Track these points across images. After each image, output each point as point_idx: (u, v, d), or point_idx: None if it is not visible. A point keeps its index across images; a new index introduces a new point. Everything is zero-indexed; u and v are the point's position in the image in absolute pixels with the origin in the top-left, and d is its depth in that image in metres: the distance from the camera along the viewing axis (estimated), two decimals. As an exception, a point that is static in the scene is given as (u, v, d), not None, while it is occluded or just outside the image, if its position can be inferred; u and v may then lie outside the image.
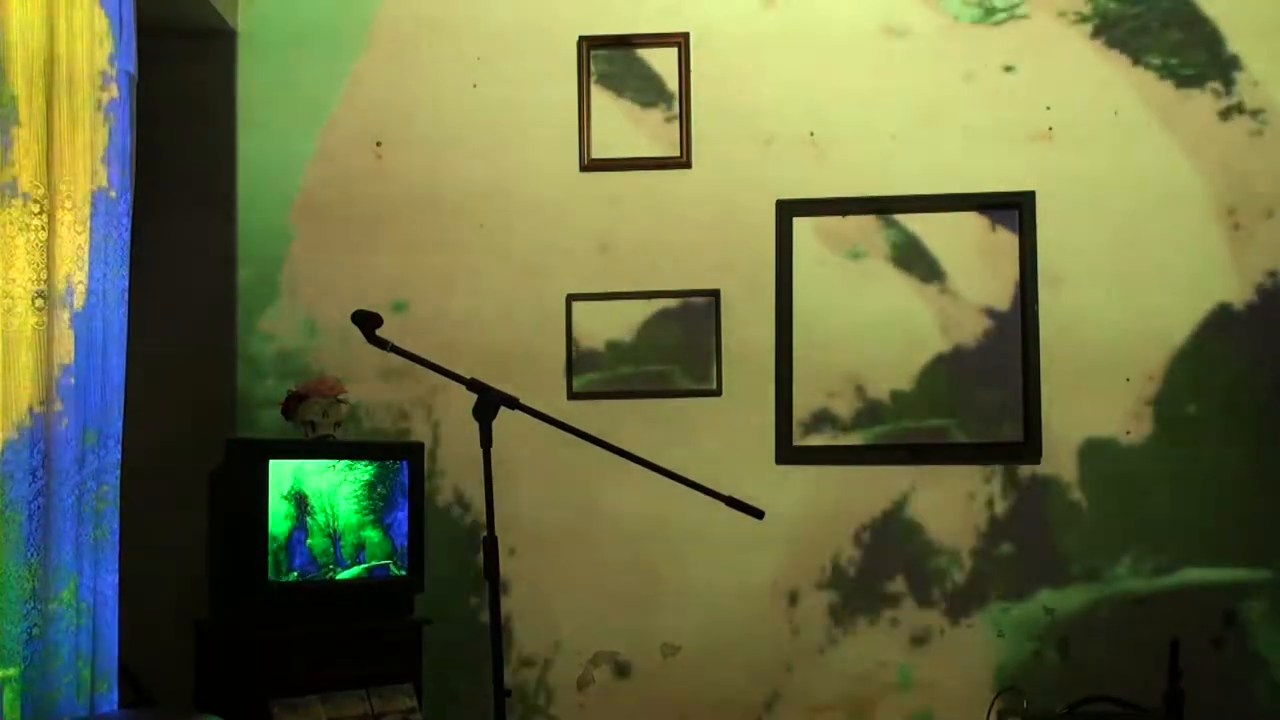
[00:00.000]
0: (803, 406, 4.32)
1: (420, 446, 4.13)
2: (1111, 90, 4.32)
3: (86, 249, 3.26)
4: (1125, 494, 4.24)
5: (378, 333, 3.11)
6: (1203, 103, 4.30)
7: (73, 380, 3.16)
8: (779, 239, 4.35)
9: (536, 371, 4.33)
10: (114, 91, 3.43)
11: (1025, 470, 4.26)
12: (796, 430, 4.31)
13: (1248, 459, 4.21)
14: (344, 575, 3.94)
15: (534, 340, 4.36)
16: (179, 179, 4.28)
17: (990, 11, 4.36)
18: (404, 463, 4.06)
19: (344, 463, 3.98)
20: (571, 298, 4.36)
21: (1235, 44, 4.30)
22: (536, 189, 4.40)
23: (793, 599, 4.29)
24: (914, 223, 4.34)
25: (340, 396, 4.12)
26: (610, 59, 4.42)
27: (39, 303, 3.06)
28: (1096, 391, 4.25)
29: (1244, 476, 4.21)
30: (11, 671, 2.93)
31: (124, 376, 3.45)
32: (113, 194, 3.41)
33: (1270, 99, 4.28)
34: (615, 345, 4.37)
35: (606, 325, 4.36)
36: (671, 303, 4.36)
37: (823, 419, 4.32)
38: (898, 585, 4.27)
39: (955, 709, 4.21)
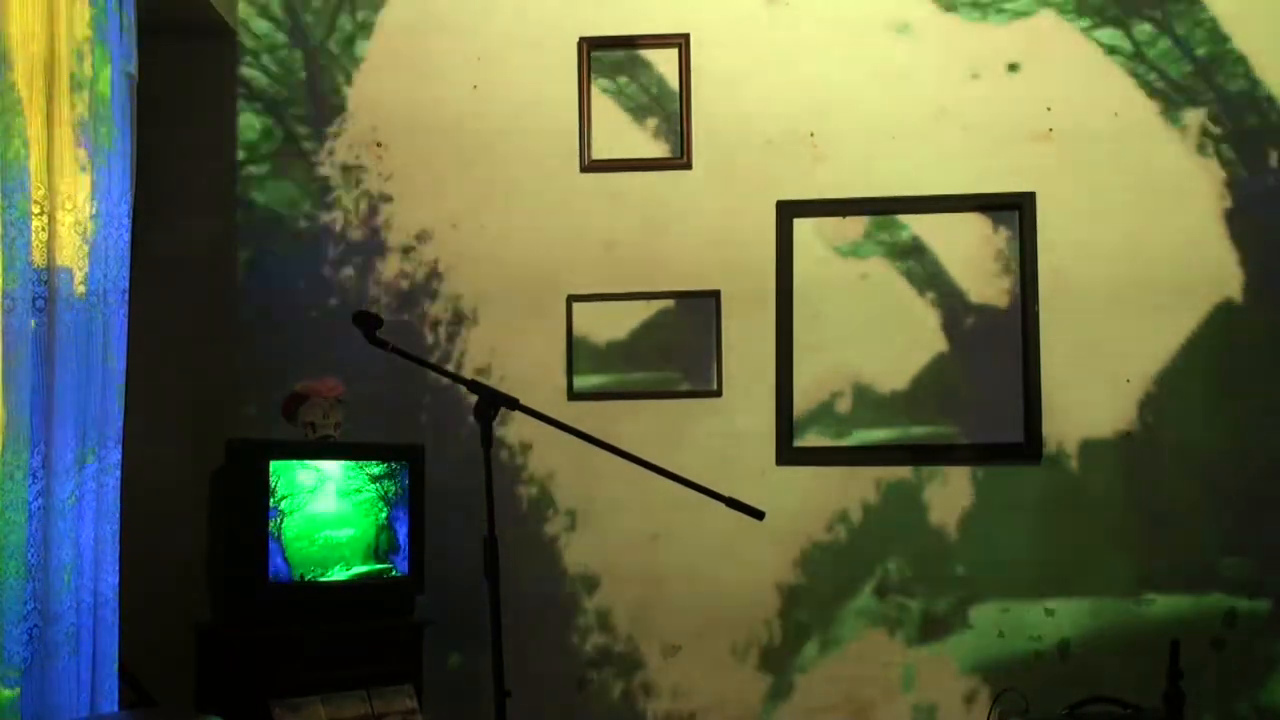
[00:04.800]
0: (803, 407, 4.32)
1: (420, 447, 4.13)
2: (1112, 90, 4.32)
3: (86, 249, 3.26)
4: (1125, 494, 4.24)
5: (378, 333, 3.12)
6: (1204, 102, 4.30)
7: (72, 380, 3.16)
8: (779, 239, 4.35)
9: (536, 372, 4.33)
10: (114, 92, 3.43)
11: (1025, 470, 4.26)
12: (797, 431, 4.31)
13: (1248, 458, 4.21)
14: (344, 575, 3.94)
15: (534, 340, 4.36)
16: (179, 179, 4.28)
17: (990, 11, 4.36)
18: (405, 463, 4.06)
19: (344, 463, 3.98)
20: (571, 298, 4.36)
21: (1238, 43, 4.29)
22: (536, 189, 4.40)
23: (793, 599, 4.29)
24: (914, 223, 4.34)
25: (340, 397, 4.12)
26: (611, 59, 4.42)
27: (39, 303, 3.06)
28: (1096, 391, 4.25)
29: (1245, 475, 4.21)
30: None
31: (124, 376, 3.45)
32: (112, 194, 3.42)
33: (1272, 98, 4.28)
34: (615, 345, 4.37)
35: (606, 325, 4.36)
36: (671, 303, 4.36)
37: (823, 419, 4.32)
38: (899, 585, 4.27)
39: (956, 709, 4.22)
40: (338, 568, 3.92)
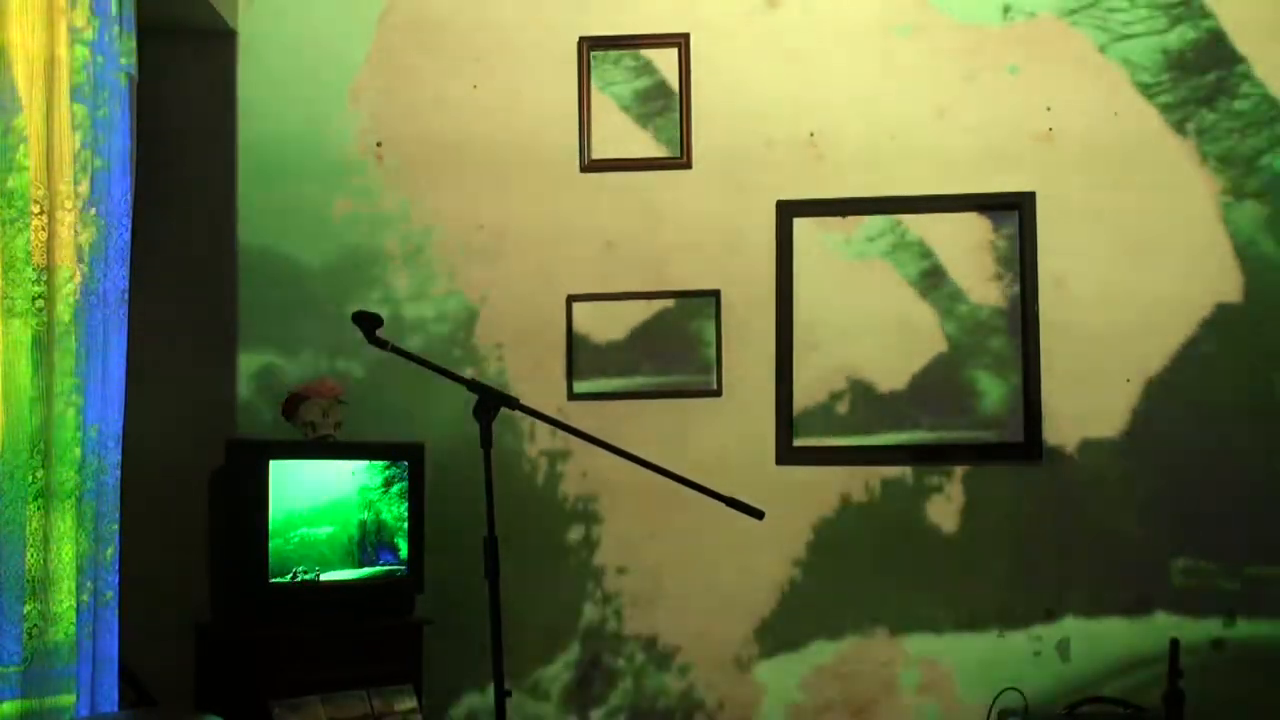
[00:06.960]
0: (803, 407, 4.32)
1: (420, 447, 4.13)
2: (1112, 90, 4.31)
3: (86, 249, 3.26)
4: (1125, 494, 4.24)
5: (378, 332, 3.12)
6: (1204, 102, 4.29)
7: (73, 380, 3.16)
8: (779, 239, 4.35)
9: (536, 372, 4.33)
10: (114, 92, 3.44)
11: (1025, 470, 4.26)
12: (797, 431, 4.31)
13: (1248, 458, 4.21)
14: (344, 575, 3.94)
15: (534, 341, 4.36)
16: (179, 179, 4.28)
17: (991, 11, 4.36)
18: (404, 463, 4.07)
19: (344, 463, 3.98)
20: (571, 298, 4.36)
21: (1240, 44, 4.29)
22: (536, 189, 4.40)
23: (792, 598, 4.29)
24: (914, 223, 4.34)
25: (340, 398, 4.12)
26: (611, 59, 4.42)
27: (39, 304, 3.06)
28: (1096, 391, 4.25)
29: (1244, 475, 4.21)
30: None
31: (124, 376, 3.45)
32: (112, 194, 3.42)
33: (1272, 99, 4.28)
34: (615, 345, 4.37)
35: (606, 325, 4.36)
36: (671, 303, 4.36)
37: (823, 419, 4.32)
38: (898, 585, 4.27)
39: (955, 709, 4.22)
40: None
